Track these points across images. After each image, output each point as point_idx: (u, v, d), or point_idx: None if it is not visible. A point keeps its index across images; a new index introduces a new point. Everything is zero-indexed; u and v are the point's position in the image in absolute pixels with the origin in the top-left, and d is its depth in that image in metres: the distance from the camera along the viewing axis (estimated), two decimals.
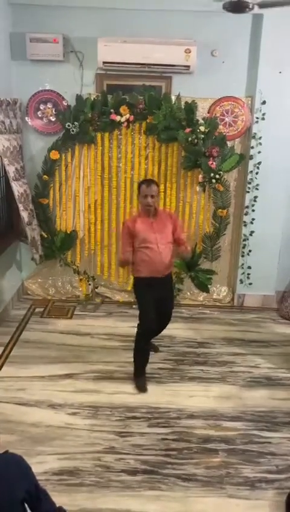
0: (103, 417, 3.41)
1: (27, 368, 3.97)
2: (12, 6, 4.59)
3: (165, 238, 3.72)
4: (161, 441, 3.18)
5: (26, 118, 4.87)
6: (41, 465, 2.89)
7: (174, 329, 4.66)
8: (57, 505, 2.06)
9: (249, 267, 5.20)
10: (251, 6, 2.84)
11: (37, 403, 3.52)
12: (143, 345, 3.80)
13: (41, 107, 4.85)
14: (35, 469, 2.82)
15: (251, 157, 4.90)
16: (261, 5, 2.94)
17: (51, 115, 4.87)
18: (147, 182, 3.76)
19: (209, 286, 5.20)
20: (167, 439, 3.20)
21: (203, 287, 5.19)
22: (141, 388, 3.76)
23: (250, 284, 5.25)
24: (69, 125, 4.73)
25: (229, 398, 3.68)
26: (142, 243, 3.69)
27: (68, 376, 3.89)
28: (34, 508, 1.95)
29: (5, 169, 4.39)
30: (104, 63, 4.58)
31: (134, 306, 5.13)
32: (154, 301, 3.74)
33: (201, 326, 4.86)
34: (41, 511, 1.96)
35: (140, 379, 3.82)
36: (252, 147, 4.87)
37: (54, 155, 4.87)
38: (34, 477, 1.97)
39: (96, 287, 5.30)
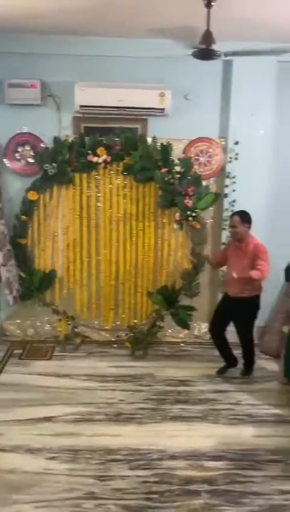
0: (82, 461, 3.31)
1: (5, 412, 3.87)
2: None
3: (240, 264, 4.17)
4: (142, 484, 3.09)
5: (5, 160, 4.94)
6: None
7: (155, 367, 4.65)
8: None
9: None
10: (218, 54, 2.99)
11: (15, 448, 3.41)
12: (214, 341, 4.65)
13: (19, 149, 4.93)
14: None
15: (226, 196, 5.01)
16: (227, 54, 3.11)
17: (29, 157, 4.94)
18: (232, 214, 4.35)
19: (189, 322, 5.19)
20: (148, 481, 3.12)
21: (184, 323, 5.18)
22: (218, 370, 4.62)
23: None
24: (47, 167, 4.80)
25: (211, 436, 3.62)
26: (227, 262, 4.44)
27: (47, 419, 3.80)
28: None
29: None
30: (81, 106, 4.71)
31: (114, 345, 5.12)
32: (225, 311, 4.51)
33: (182, 363, 4.82)
34: None
35: (222, 366, 4.64)
36: (227, 186, 5.00)
37: (32, 196, 4.92)
38: None
39: (76, 327, 5.24)
